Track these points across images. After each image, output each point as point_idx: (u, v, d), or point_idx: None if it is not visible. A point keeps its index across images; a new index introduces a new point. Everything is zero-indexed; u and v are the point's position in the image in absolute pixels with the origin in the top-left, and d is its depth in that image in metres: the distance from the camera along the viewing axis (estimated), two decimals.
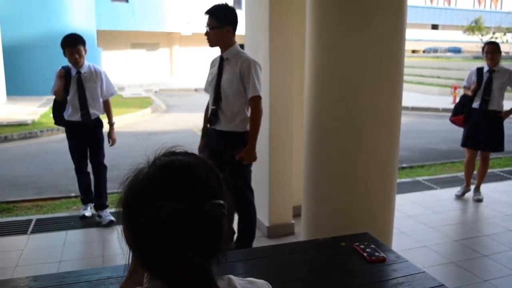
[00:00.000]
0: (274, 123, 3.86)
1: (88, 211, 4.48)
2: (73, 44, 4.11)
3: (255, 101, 3.23)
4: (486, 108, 4.78)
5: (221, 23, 3.18)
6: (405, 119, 8.08)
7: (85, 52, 4.20)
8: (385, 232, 2.84)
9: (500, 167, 6.61)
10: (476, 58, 25.25)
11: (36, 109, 12.60)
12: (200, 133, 3.64)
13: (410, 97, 15.66)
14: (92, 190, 4.44)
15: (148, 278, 0.85)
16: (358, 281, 1.76)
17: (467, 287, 3.14)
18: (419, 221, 4.40)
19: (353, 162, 2.73)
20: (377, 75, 2.67)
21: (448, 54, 34.19)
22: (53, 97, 4.26)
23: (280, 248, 2.21)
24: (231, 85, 3.22)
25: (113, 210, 4.31)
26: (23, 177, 6.44)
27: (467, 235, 4.04)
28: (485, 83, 4.80)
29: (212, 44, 3.28)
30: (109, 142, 4.41)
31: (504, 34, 32.26)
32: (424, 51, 38.28)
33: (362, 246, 1.95)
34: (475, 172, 5.18)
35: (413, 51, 37.37)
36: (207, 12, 3.18)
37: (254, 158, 3.31)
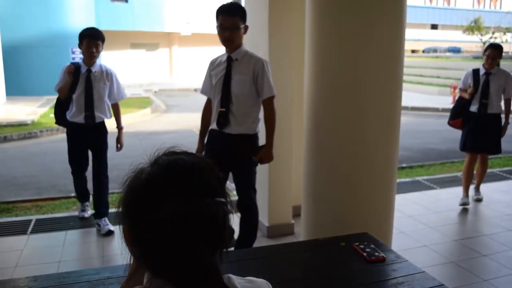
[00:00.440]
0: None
1: (87, 212, 4.38)
2: (93, 36, 3.89)
3: (271, 101, 3.19)
4: (485, 111, 4.69)
5: (243, 22, 3.10)
6: (405, 119, 8.09)
7: (102, 47, 3.99)
8: (384, 232, 2.84)
9: (499, 167, 6.61)
10: (476, 58, 25.24)
11: (35, 109, 12.59)
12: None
13: (409, 97, 15.67)
14: (89, 191, 4.33)
15: (149, 278, 0.85)
16: (358, 281, 1.76)
17: (467, 286, 3.14)
18: (418, 221, 4.41)
19: (353, 162, 2.73)
20: (376, 75, 2.67)
21: (448, 54, 34.20)
22: (54, 96, 4.09)
23: (279, 248, 2.21)
24: (243, 86, 3.13)
25: (113, 210, 4.31)
26: (23, 177, 6.44)
27: (467, 235, 4.05)
28: (482, 87, 4.69)
29: (234, 45, 3.13)
30: (116, 146, 4.24)
31: (504, 34, 32.28)
32: (423, 51, 38.27)
33: (361, 246, 1.95)
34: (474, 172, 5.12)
35: (413, 51, 37.37)
36: (233, 12, 3.06)
37: (272, 158, 3.29)
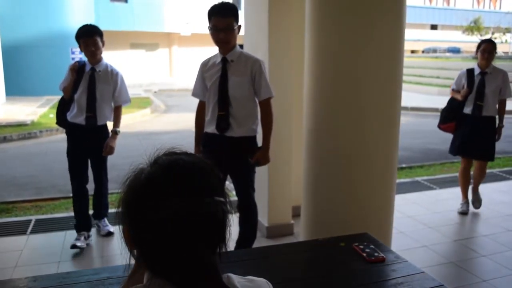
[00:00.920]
0: (274, 124, 3.85)
1: (82, 241, 3.73)
2: (88, 34, 3.66)
3: (268, 102, 3.14)
4: (479, 114, 4.38)
5: (237, 22, 3.03)
6: (405, 119, 8.09)
7: (103, 44, 3.78)
8: (384, 232, 2.84)
9: (499, 167, 6.61)
10: (475, 58, 25.27)
11: (35, 110, 12.59)
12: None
13: (409, 97, 15.67)
14: (90, 216, 3.96)
15: (149, 277, 0.85)
16: (358, 281, 1.76)
17: (466, 287, 3.14)
18: (418, 221, 4.41)
19: (353, 162, 2.73)
20: (376, 75, 2.67)
21: (447, 54, 34.21)
22: (54, 96, 3.95)
23: (279, 248, 2.21)
24: (241, 88, 3.06)
25: (113, 210, 4.31)
26: (23, 177, 6.43)
27: (467, 235, 4.05)
28: (477, 87, 4.38)
29: (229, 47, 3.06)
30: (104, 148, 3.78)
31: (503, 34, 32.33)
32: (423, 51, 38.29)
33: (361, 246, 1.95)
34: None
35: (412, 51, 37.38)
36: (227, 12, 2.97)
37: (269, 160, 3.23)
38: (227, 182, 3.37)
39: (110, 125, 3.90)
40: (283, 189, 4.03)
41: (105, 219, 4.11)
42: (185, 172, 0.83)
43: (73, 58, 17.06)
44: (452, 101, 4.65)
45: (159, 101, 16.50)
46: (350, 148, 2.73)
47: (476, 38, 34.12)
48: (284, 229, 4.06)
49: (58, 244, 3.82)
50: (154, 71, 26.18)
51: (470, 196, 4.81)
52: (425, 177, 6.04)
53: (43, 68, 16.00)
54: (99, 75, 3.76)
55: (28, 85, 15.67)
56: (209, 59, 3.24)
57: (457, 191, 5.12)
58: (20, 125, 10.56)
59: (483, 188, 5.14)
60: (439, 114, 4.87)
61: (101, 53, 3.77)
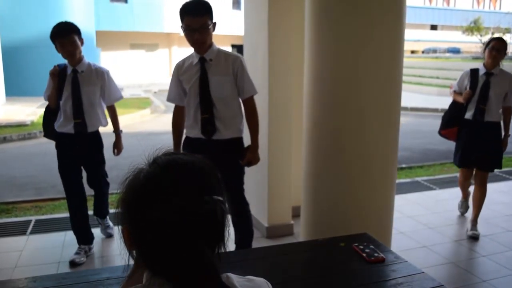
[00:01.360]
0: (273, 124, 3.86)
1: (82, 256, 3.52)
2: (63, 33, 3.29)
3: (252, 100, 3.05)
4: (481, 119, 3.94)
5: (212, 19, 2.85)
6: (404, 120, 8.09)
7: (82, 43, 3.41)
8: (384, 232, 2.84)
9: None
10: (475, 58, 25.24)
11: (35, 110, 12.59)
12: None
13: (409, 97, 15.68)
14: (91, 230, 3.70)
15: (148, 277, 0.85)
16: (357, 282, 1.76)
17: (466, 287, 3.14)
18: (418, 221, 4.41)
19: (352, 162, 2.73)
20: (376, 75, 2.67)
21: (447, 54, 34.24)
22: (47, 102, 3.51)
23: (279, 248, 2.21)
24: (224, 87, 2.94)
25: (112, 210, 4.30)
26: (22, 177, 6.43)
27: (466, 236, 4.04)
28: (480, 89, 3.92)
29: (206, 46, 2.90)
30: (113, 151, 3.75)
31: (503, 34, 32.30)
32: (423, 52, 38.32)
33: (361, 247, 1.95)
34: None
35: (412, 52, 37.41)
36: (201, 11, 2.79)
37: (259, 159, 3.14)
38: None
39: (102, 129, 3.66)
40: (283, 189, 4.04)
41: (108, 218, 4.00)
42: (184, 171, 0.84)
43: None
44: (453, 105, 4.27)
45: (159, 101, 16.49)
46: (350, 148, 2.73)
47: (476, 39, 34.18)
48: (284, 229, 4.06)
49: (58, 244, 3.81)
50: (154, 72, 26.18)
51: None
52: (425, 177, 6.03)
53: (43, 69, 15.83)
54: (82, 76, 3.41)
55: (28, 86, 15.64)
56: (183, 61, 3.07)
57: (457, 191, 5.11)
58: (20, 125, 10.56)
59: None
60: (439, 114, 4.82)
61: (80, 52, 3.41)
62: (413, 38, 35.89)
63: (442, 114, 4.46)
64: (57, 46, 3.32)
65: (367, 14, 2.62)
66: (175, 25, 25.35)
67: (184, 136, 3.16)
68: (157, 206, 0.78)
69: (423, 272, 1.78)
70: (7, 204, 5.01)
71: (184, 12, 2.80)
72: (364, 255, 1.89)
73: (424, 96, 17.66)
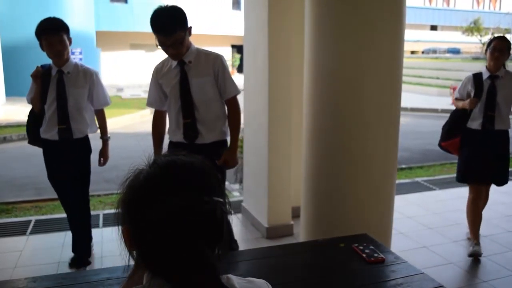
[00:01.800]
0: (273, 124, 3.86)
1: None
2: (52, 31, 3.01)
3: (236, 100, 2.94)
4: (492, 127, 3.51)
5: (185, 28, 2.71)
6: (404, 120, 8.09)
7: (70, 42, 3.12)
8: (384, 233, 2.84)
9: None
10: (475, 58, 25.28)
11: None
12: None
13: (409, 97, 15.68)
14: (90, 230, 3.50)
15: (148, 279, 0.85)
16: (357, 282, 1.76)
17: None
18: (418, 222, 4.40)
19: (352, 163, 2.73)
20: (376, 76, 2.67)
21: (447, 55, 34.24)
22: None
23: (279, 249, 2.21)
24: (205, 89, 2.83)
25: (109, 211, 4.29)
26: (22, 177, 6.43)
27: (466, 236, 4.04)
28: (487, 95, 3.50)
29: (182, 56, 2.80)
30: (99, 161, 3.43)
31: (503, 35, 32.27)
32: (423, 52, 38.32)
33: (361, 247, 1.95)
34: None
35: (412, 52, 37.40)
36: (171, 30, 2.62)
37: (237, 161, 3.04)
38: (227, 183, 3.36)
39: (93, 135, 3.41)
40: (283, 190, 4.03)
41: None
42: (184, 172, 0.84)
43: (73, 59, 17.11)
44: (455, 113, 3.79)
45: None
46: (349, 148, 2.73)
47: (476, 39, 34.16)
48: (284, 229, 4.06)
49: (58, 244, 3.81)
50: None
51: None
52: (425, 178, 6.03)
53: None
54: (68, 78, 3.15)
55: (28, 86, 15.62)
56: (162, 64, 2.96)
57: (457, 191, 5.12)
58: (20, 125, 10.55)
59: None
60: (439, 115, 4.72)
61: (68, 52, 3.13)
62: (413, 38, 35.87)
63: (442, 114, 4.33)
64: (43, 44, 3.04)
65: (367, 14, 2.62)
66: None
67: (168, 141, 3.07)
68: (157, 207, 0.78)
69: (423, 273, 1.78)
70: (7, 204, 5.01)
71: (155, 29, 2.64)
72: (364, 255, 1.89)
73: (424, 97, 17.66)
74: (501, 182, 3.67)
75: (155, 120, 3.08)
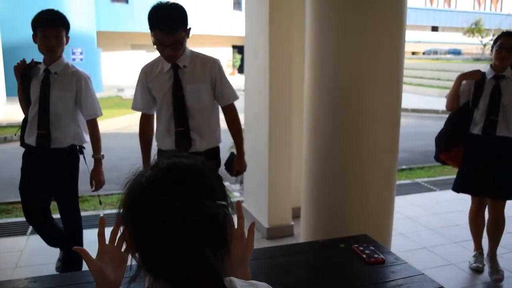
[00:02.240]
0: (274, 124, 3.87)
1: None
2: (51, 22, 2.72)
3: (233, 107, 2.78)
4: (493, 133, 3.12)
5: (186, 28, 2.48)
6: (405, 121, 8.08)
7: (67, 41, 2.83)
8: (384, 233, 2.84)
9: None
10: (476, 59, 25.26)
11: None
12: None
13: (410, 98, 15.68)
14: (64, 235, 3.06)
15: (150, 281, 0.85)
16: (357, 283, 1.77)
17: None
18: (418, 223, 4.40)
19: (353, 163, 2.73)
20: (376, 77, 2.68)
21: (448, 56, 34.21)
22: None
23: (279, 249, 2.22)
24: (201, 96, 2.62)
25: (109, 211, 4.31)
26: None
27: (467, 237, 4.03)
28: (490, 96, 3.11)
29: (178, 58, 2.57)
30: (91, 184, 2.96)
31: None
32: (424, 53, 38.31)
33: (361, 248, 1.95)
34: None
35: (413, 53, 37.41)
36: (174, 27, 2.39)
37: (246, 165, 2.92)
38: (227, 183, 3.35)
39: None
40: (283, 191, 4.04)
41: None
42: (185, 174, 0.83)
43: (73, 59, 17.11)
44: (453, 119, 3.33)
45: None
46: (350, 149, 2.73)
47: (477, 40, 34.16)
48: (284, 230, 4.06)
49: None
50: None
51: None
52: (425, 179, 6.03)
53: None
54: (55, 79, 2.81)
55: None
56: (151, 66, 2.70)
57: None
58: (20, 126, 10.57)
59: None
60: (439, 116, 4.58)
61: (62, 51, 2.83)
62: (414, 39, 35.89)
63: (442, 115, 3.94)
64: (38, 36, 2.74)
65: (367, 15, 2.62)
66: None
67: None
68: (157, 209, 0.78)
69: (423, 274, 1.78)
70: (8, 204, 5.01)
71: (155, 25, 2.41)
72: (364, 256, 1.89)
73: (424, 98, 17.65)
74: (507, 195, 3.22)
75: (142, 126, 2.83)
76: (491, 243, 3.36)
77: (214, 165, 2.84)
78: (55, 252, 3.66)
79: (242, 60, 20.75)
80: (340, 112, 2.73)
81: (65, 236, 3.05)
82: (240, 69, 27.57)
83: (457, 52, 36.93)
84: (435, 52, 36.93)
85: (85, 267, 3.05)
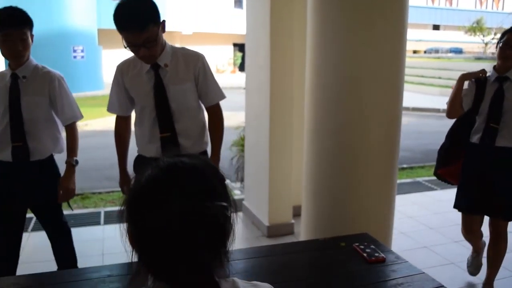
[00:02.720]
0: (275, 122, 3.86)
1: None
2: (13, 23, 2.37)
3: (219, 107, 2.52)
4: (492, 143, 2.72)
5: (158, 23, 2.22)
6: (406, 120, 8.08)
7: (32, 39, 2.52)
8: (384, 232, 2.84)
9: None
10: (478, 58, 25.21)
11: None
12: None
13: (411, 97, 15.65)
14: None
15: (152, 280, 0.85)
16: (358, 282, 1.77)
17: None
18: (419, 221, 4.40)
19: (353, 162, 2.73)
20: (378, 75, 2.67)
21: (450, 54, 34.18)
22: None
23: (279, 247, 2.22)
24: (186, 96, 2.37)
25: (110, 209, 4.32)
26: None
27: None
28: (492, 100, 2.73)
29: (157, 58, 2.31)
30: (58, 192, 2.59)
31: None
32: (425, 52, 38.26)
33: (362, 247, 1.95)
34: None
35: (414, 52, 37.34)
36: (141, 25, 2.13)
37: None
38: (227, 181, 3.34)
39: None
40: (284, 189, 4.04)
41: None
42: (185, 174, 0.83)
43: (74, 57, 17.11)
44: (455, 129, 2.96)
45: None
46: (351, 148, 2.73)
47: (479, 39, 34.11)
48: (284, 228, 4.06)
49: None
50: None
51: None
52: (426, 178, 6.02)
53: None
54: (24, 84, 2.50)
55: None
56: (128, 63, 2.43)
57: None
58: None
59: None
60: (440, 114, 4.39)
61: (29, 53, 2.54)
62: (415, 38, 35.83)
63: (443, 114, 3.49)
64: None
65: (369, 13, 2.62)
66: (176, 24, 25.38)
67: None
68: (157, 209, 0.78)
69: (424, 273, 1.78)
70: None
71: (121, 26, 2.18)
72: (365, 255, 1.89)
73: (426, 96, 17.63)
74: (506, 216, 2.83)
75: (119, 129, 2.58)
76: (489, 270, 3.03)
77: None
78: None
79: (243, 58, 20.73)
80: (341, 110, 2.72)
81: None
82: (241, 67, 27.56)
83: (458, 51, 36.88)
84: (437, 51, 36.89)
85: (85, 262, 3.03)
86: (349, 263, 1.87)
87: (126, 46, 2.19)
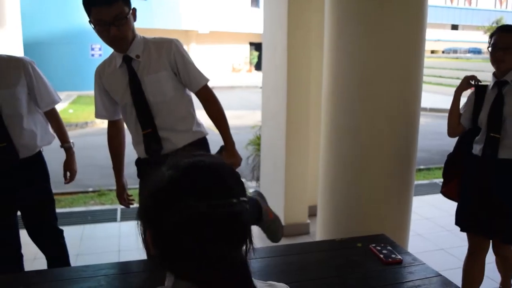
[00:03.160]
0: (291, 122, 3.86)
1: None
2: None
3: (207, 89, 2.32)
4: (493, 154, 2.42)
5: (128, 5, 2.12)
6: (424, 120, 7.99)
7: None
8: (401, 234, 2.82)
9: None
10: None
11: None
12: None
13: (428, 98, 15.49)
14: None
15: (173, 280, 0.85)
16: (374, 283, 1.75)
17: None
18: (436, 223, 4.36)
19: (370, 163, 2.71)
20: (396, 76, 2.65)
21: (468, 55, 33.69)
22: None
23: (295, 247, 2.21)
24: (162, 87, 2.22)
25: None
26: None
27: None
28: (491, 107, 2.44)
29: (127, 42, 2.18)
30: (65, 177, 2.68)
31: None
32: (443, 52, 37.81)
33: (378, 248, 1.94)
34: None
35: (432, 52, 36.94)
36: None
37: (240, 157, 2.42)
38: (243, 180, 3.34)
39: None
40: (300, 189, 4.03)
41: None
42: (204, 174, 0.83)
43: (92, 55, 17.30)
44: (460, 144, 2.80)
45: None
46: (367, 148, 2.71)
47: None
48: (300, 228, 4.06)
49: (76, 237, 3.87)
50: None
51: None
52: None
53: (63, 64, 16.21)
54: None
55: (50, 82, 15.93)
56: (103, 65, 2.35)
57: None
58: None
59: None
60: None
61: None
62: (434, 38, 35.44)
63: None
64: None
65: (387, 13, 2.60)
66: (193, 23, 25.50)
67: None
68: (177, 210, 0.78)
69: (441, 275, 1.76)
70: None
71: (88, 2, 2.11)
72: (381, 256, 1.87)
73: (444, 97, 17.42)
74: (506, 239, 2.57)
75: (111, 134, 2.47)
76: (503, 280, 2.91)
77: None
78: (73, 245, 3.70)
79: (259, 57, 20.74)
80: (358, 110, 2.71)
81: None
82: (257, 66, 27.57)
83: (477, 51, 36.34)
84: (455, 51, 36.41)
85: (102, 259, 3.05)
86: (365, 264, 1.86)
87: (94, 27, 2.10)
